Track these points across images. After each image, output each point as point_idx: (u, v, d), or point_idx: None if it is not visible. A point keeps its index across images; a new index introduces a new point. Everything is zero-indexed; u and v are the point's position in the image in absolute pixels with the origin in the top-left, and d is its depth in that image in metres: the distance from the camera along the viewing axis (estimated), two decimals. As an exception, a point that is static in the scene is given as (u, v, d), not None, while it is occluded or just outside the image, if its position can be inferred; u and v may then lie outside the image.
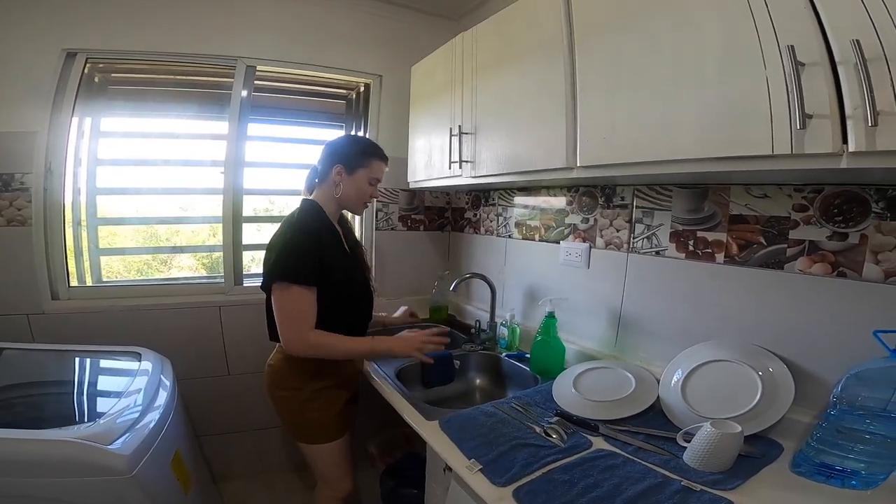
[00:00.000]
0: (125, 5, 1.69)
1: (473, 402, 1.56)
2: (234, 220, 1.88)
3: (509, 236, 1.81)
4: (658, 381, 1.18)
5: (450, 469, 1.01)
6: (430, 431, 1.07)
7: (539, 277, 1.66)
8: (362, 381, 1.49)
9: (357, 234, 2.13)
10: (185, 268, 2.19)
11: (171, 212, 2.04)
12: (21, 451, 1.00)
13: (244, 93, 1.89)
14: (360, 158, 1.32)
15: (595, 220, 1.43)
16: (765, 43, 0.74)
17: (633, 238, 1.31)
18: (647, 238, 1.27)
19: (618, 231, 1.35)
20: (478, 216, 2.02)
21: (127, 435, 1.10)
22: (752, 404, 0.98)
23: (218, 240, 2.13)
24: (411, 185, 1.95)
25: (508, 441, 0.99)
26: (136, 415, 1.19)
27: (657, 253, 1.25)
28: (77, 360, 1.49)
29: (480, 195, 2.00)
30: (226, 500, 1.87)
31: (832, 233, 0.94)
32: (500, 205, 1.87)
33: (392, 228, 2.12)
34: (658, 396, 1.15)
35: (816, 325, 0.97)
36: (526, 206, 1.72)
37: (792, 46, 0.70)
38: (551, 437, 1.02)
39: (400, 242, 2.13)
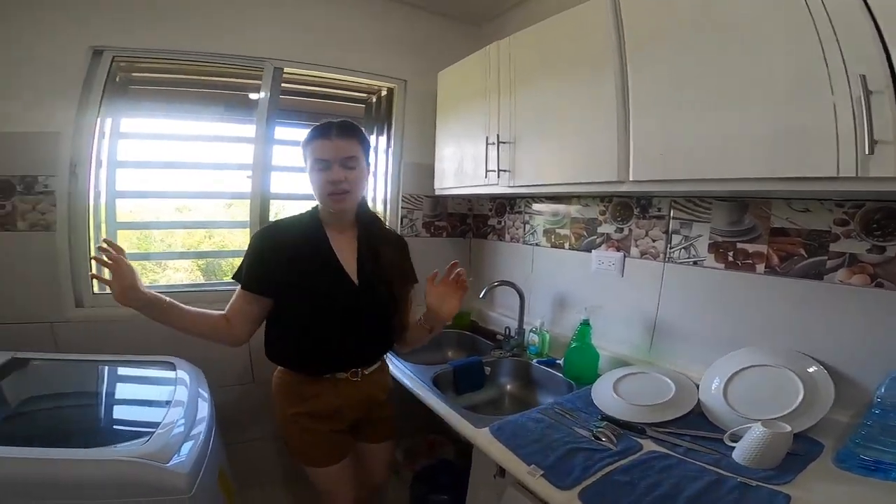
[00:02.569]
0: (158, 3, 1.67)
1: (503, 408, 1.61)
2: (261, 225, 1.86)
3: (537, 244, 1.86)
4: (697, 386, 1.23)
5: (501, 475, 1.04)
6: (484, 439, 1.09)
7: (569, 285, 1.71)
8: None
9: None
10: (181, 269, 2.17)
11: (170, 215, 2.01)
12: (77, 472, 0.93)
13: (268, 94, 1.88)
14: (303, 149, 1.17)
15: (630, 229, 1.48)
16: (833, 72, 0.80)
17: (671, 248, 1.37)
18: (685, 248, 1.33)
19: (654, 241, 1.41)
20: (502, 223, 2.06)
21: (182, 451, 1.03)
22: (794, 405, 1.03)
23: (214, 243, 2.15)
24: (438, 192, 1.97)
25: (562, 446, 1.02)
26: (183, 429, 1.12)
27: (695, 263, 1.31)
28: (107, 369, 1.44)
29: (505, 202, 2.04)
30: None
31: (871, 246, 1.01)
32: (526, 212, 1.91)
33: (416, 235, 2.14)
34: (698, 400, 1.19)
35: (854, 333, 1.03)
36: (555, 215, 1.77)
37: (864, 76, 0.75)
38: (601, 440, 1.05)
39: (424, 248, 2.13)
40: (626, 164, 1.14)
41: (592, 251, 1.60)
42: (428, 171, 2.03)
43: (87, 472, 0.92)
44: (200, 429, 1.17)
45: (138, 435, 1.06)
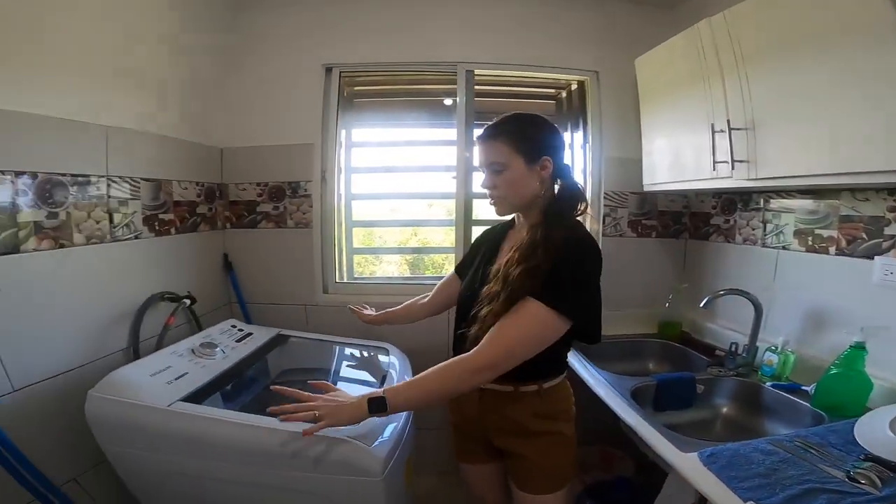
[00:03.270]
0: (362, 20, 1.94)
1: (713, 432, 1.43)
2: (465, 223, 2.01)
3: (783, 247, 1.54)
4: None
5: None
6: (688, 464, 0.96)
7: (833, 299, 1.37)
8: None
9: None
10: (393, 263, 2.45)
11: (385, 214, 2.29)
12: (301, 445, 1.03)
13: (464, 98, 1.99)
14: None
15: (945, 231, 1.11)
16: None
17: None
18: None
19: None
20: (731, 222, 1.78)
21: (384, 434, 1.10)
22: None
23: (419, 241, 2.37)
24: (647, 189, 1.81)
25: (797, 484, 0.84)
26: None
27: None
28: (339, 349, 1.67)
29: (736, 198, 1.76)
30: (418, 493, 1.83)
31: None
32: (767, 210, 1.61)
33: (620, 234, 2.01)
34: None
35: None
36: (813, 213, 1.44)
37: None
38: (860, 483, 0.83)
39: (629, 250, 2.01)
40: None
41: (876, 258, 1.24)
42: (633, 166, 1.89)
43: (308, 447, 1.03)
44: (401, 414, 1.23)
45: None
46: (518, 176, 1.06)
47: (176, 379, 1.22)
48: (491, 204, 1.12)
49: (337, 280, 2.06)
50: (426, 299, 1.51)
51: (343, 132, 2.07)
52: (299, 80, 1.95)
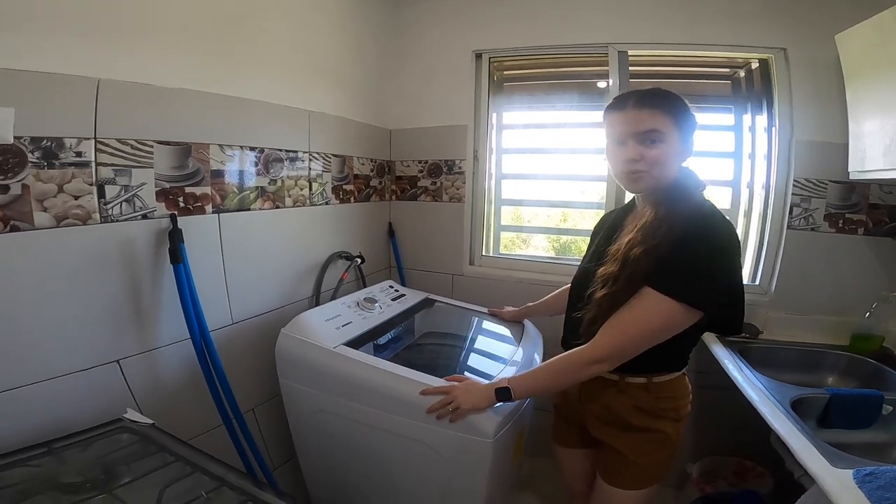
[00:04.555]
0: (513, 6, 2.02)
1: (890, 457, 1.27)
2: (616, 205, 1.98)
3: None
4: None
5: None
6: (836, 481, 0.88)
7: None
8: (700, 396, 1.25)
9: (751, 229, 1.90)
10: (540, 248, 2.52)
11: (534, 195, 2.34)
12: (428, 400, 1.15)
13: (618, 80, 1.94)
14: (603, 122, 1.09)
15: None
16: None
17: None
18: None
19: None
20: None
21: (501, 403, 1.15)
22: None
23: (569, 224, 2.41)
24: (853, 177, 1.57)
25: None
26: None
27: None
28: (476, 319, 1.79)
29: None
30: (524, 467, 1.92)
31: None
32: None
33: (812, 228, 1.77)
34: None
35: None
36: None
37: None
38: None
39: (822, 246, 1.77)
40: None
41: None
42: (833, 151, 1.66)
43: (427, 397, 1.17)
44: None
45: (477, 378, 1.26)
46: (672, 151, 1.01)
47: (343, 326, 1.44)
48: (629, 178, 1.03)
49: (483, 254, 2.25)
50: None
51: (494, 115, 2.21)
52: (453, 66, 2.15)
